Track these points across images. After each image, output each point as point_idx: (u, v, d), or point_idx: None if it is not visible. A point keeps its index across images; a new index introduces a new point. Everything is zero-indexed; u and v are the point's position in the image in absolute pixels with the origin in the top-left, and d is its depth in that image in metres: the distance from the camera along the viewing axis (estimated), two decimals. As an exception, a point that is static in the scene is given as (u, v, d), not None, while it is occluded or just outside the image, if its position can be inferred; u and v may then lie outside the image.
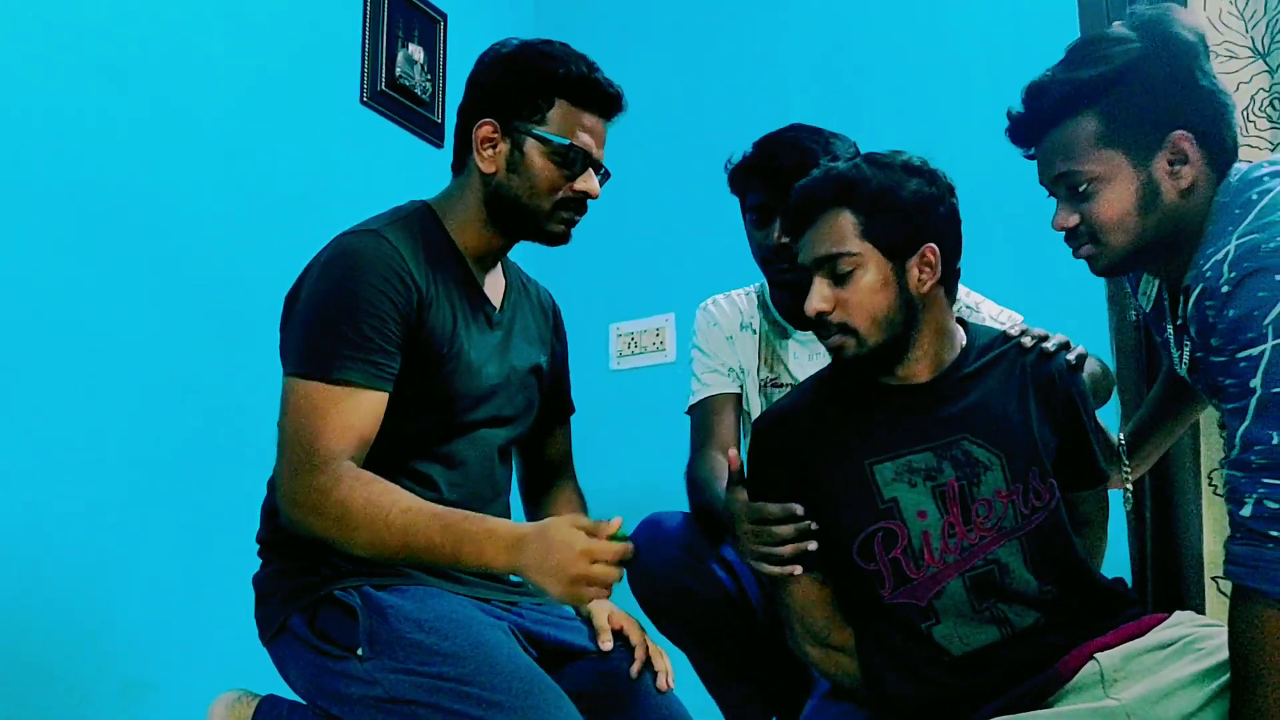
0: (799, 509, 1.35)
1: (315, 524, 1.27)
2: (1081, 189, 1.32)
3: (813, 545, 1.34)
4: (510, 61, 1.45)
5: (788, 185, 1.70)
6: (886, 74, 2.65)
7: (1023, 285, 2.06)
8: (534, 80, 1.43)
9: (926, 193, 1.37)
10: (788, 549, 1.34)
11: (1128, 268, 1.41)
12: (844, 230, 1.36)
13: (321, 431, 1.28)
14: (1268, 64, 2.02)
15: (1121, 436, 1.62)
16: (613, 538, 1.20)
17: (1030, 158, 1.41)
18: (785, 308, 1.89)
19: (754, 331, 1.90)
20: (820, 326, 1.38)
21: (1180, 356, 1.39)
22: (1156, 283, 1.45)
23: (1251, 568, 1.16)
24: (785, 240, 1.74)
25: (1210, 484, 2.00)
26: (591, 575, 1.17)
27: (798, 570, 1.35)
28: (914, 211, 1.36)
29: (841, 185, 1.36)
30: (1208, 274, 1.21)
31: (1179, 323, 1.34)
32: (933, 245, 1.36)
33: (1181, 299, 1.29)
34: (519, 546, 1.21)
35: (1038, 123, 1.36)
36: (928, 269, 1.37)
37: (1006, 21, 2.50)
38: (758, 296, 1.94)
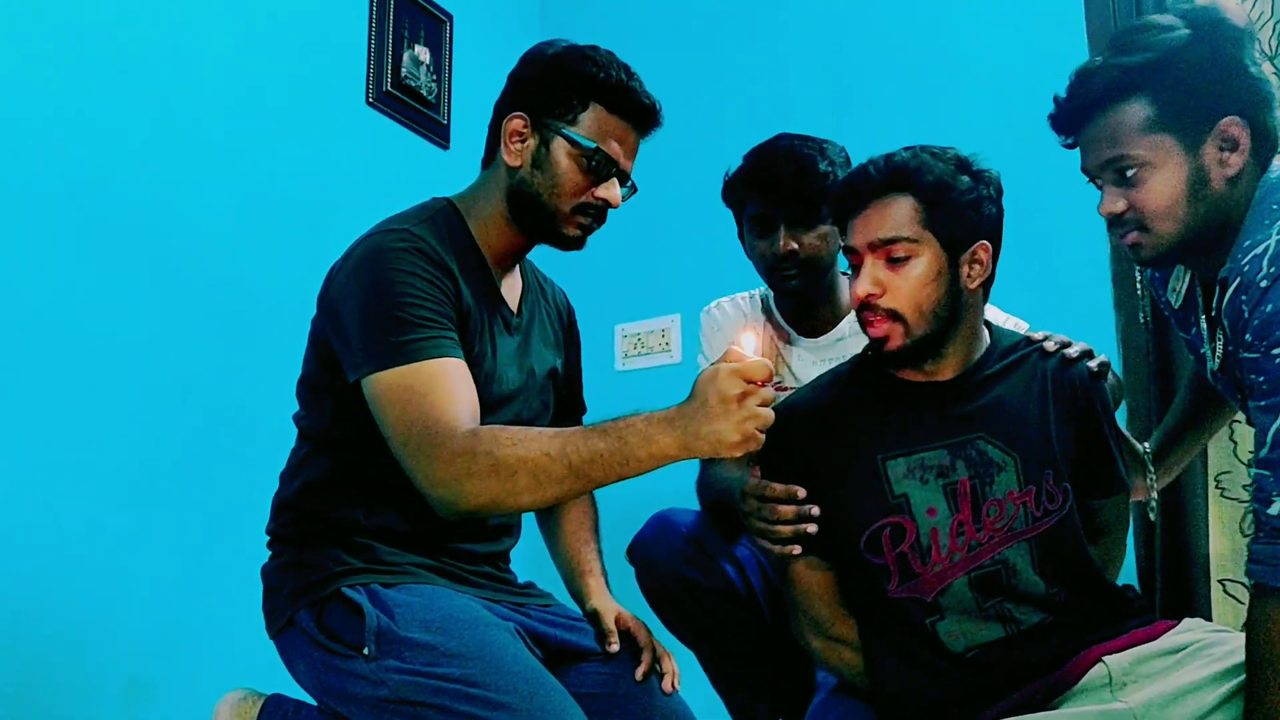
0: (801, 492, 1.35)
1: (474, 489, 1.21)
2: (1130, 174, 1.31)
3: (812, 528, 1.35)
4: (551, 60, 1.45)
5: (787, 193, 1.74)
6: (892, 75, 2.65)
7: (1030, 288, 2.05)
8: (571, 80, 1.42)
9: (981, 190, 1.36)
10: (787, 529, 1.35)
11: (1172, 259, 1.39)
12: (904, 216, 1.33)
13: (431, 408, 1.25)
14: (1276, 66, 2.01)
15: (1146, 445, 1.61)
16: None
17: (1069, 146, 1.39)
18: (791, 314, 1.89)
19: (757, 334, 1.90)
20: (866, 311, 1.36)
21: (1213, 350, 1.37)
22: (1187, 276, 1.44)
23: (1272, 566, 1.16)
24: (793, 247, 1.75)
25: (1218, 487, 2.00)
26: (746, 395, 1.15)
27: (796, 550, 1.35)
28: (971, 206, 1.35)
29: (905, 171, 1.34)
30: (1246, 267, 1.19)
31: (1212, 314, 1.33)
32: (986, 243, 1.36)
33: (1217, 291, 1.28)
34: (679, 414, 1.18)
35: (1084, 108, 1.34)
36: (978, 266, 1.36)
37: (1011, 24, 2.50)
38: (761, 300, 1.95)
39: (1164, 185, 1.29)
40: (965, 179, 1.35)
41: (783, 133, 1.84)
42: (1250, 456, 1.97)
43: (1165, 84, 1.28)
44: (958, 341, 1.38)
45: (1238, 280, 1.21)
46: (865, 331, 1.38)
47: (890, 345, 1.35)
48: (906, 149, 1.38)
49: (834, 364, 1.78)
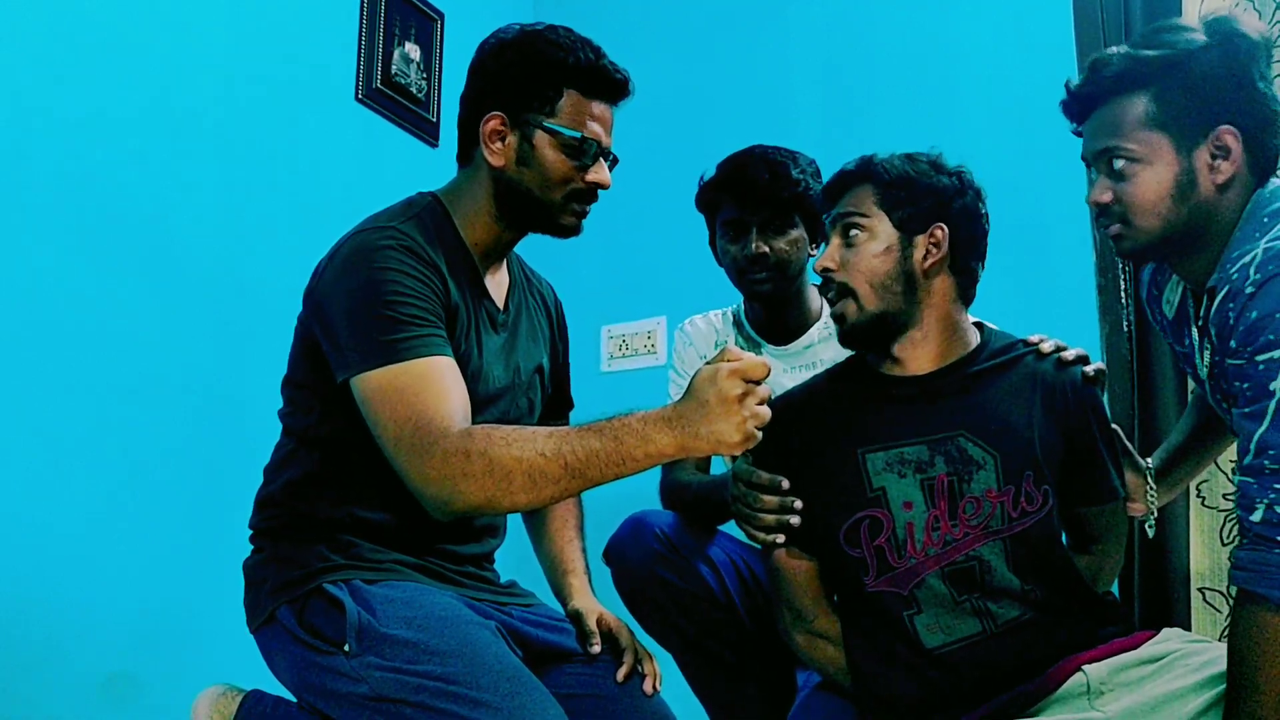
0: (785, 482, 1.40)
1: (469, 489, 1.20)
2: (1118, 166, 1.33)
3: (795, 520, 1.39)
4: (516, 50, 1.43)
5: (760, 198, 1.81)
6: (888, 83, 2.65)
7: (1016, 295, 2.06)
8: (542, 71, 1.40)
9: (947, 184, 1.41)
10: (770, 518, 1.39)
11: (1151, 255, 1.41)
12: (863, 198, 1.42)
13: (424, 408, 1.24)
14: None
15: (1149, 461, 1.61)
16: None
17: (1077, 133, 1.42)
18: (761, 321, 1.93)
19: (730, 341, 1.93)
20: (827, 288, 1.44)
21: (1202, 360, 1.38)
22: (1181, 288, 1.45)
23: (1256, 573, 1.16)
24: (764, 250, 1.80)
25: (1199, 495, 2.01)
26: (746, 395, 1.15)
27: (780, 539, 1.40)
28: (930, 194, 1.40)
29: (869, 162, 1.44)
30: (1234, 276, 1.21)
31: (1201, 324, 1.34)
32: (942, 225, 1.40)
33: (1205, 300, 1.30)
34: (677, 413, 1.17)
35: (1093, 95, 1.36)
36: (934, 248, 1.40)
37: (1004, 39, 2.50)
38: (732, 315, 2.00)
39: (1151, 182, 1.32)
40: (934, 175, 1.41)
41: (755, 144, 1.89)
42: (1231, 464, 1.98)
43: (1171, 84, 1.30)
44: (924, 326, 1.41)
45: (1225, 289, 1.22)
46: (831, 314, 1.45)
47: (847, 320, 1.41)
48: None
49: (804, 370, 1.82)
